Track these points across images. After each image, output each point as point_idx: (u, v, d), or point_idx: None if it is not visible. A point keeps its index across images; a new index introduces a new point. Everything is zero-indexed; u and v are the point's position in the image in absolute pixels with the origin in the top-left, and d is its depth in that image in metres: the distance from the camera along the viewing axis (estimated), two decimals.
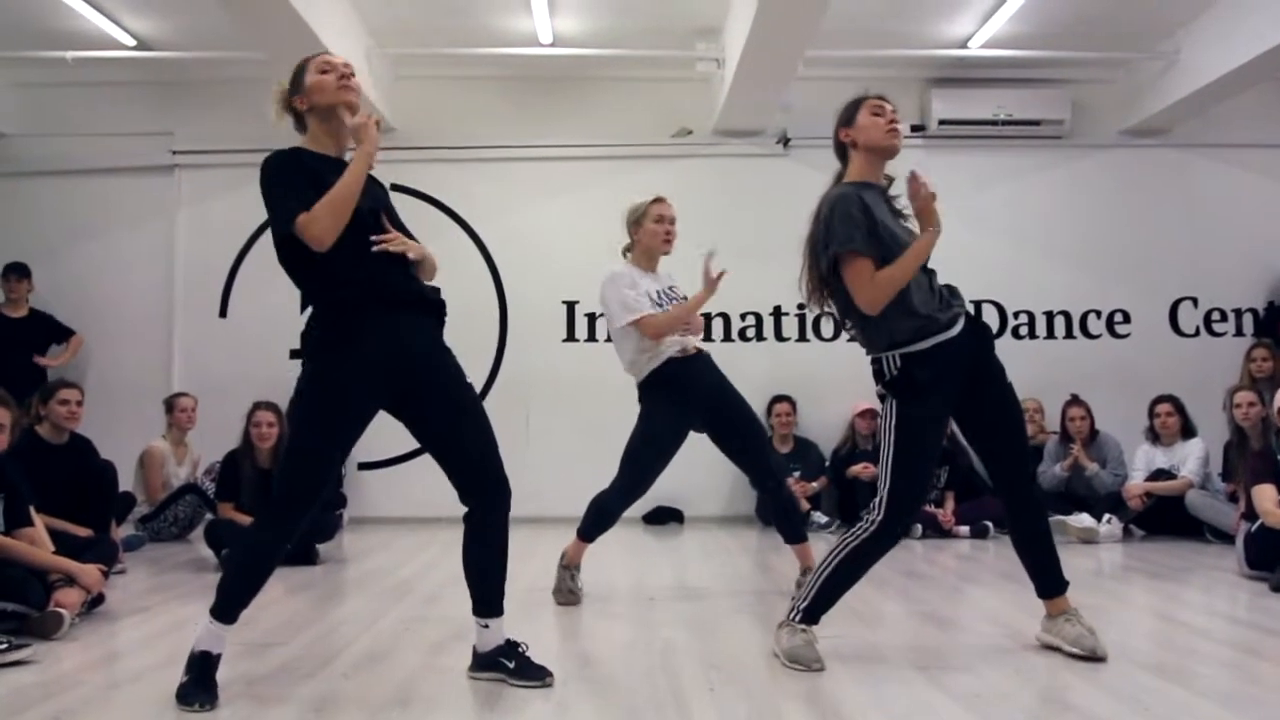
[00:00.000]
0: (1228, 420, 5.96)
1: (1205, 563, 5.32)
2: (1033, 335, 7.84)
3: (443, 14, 6.85)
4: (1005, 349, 7.99)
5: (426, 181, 7.74)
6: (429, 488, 7.33)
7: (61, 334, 7.39)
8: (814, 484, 7.07)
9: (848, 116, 3.37)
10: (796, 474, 7.02)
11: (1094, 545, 6.02)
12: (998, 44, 7.19)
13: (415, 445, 8.29)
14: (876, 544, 3.17)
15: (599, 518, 4.40)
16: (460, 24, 6.97)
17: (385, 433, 8.06)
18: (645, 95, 7.72)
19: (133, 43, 7.10)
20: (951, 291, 3.32)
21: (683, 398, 4.30)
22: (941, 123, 7.71)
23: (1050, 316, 7.86)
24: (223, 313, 7.66)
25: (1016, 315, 7.85)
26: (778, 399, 7.38)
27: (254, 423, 5.60)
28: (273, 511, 2.90)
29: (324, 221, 2.74)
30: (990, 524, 6.49)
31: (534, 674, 2.95)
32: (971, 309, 3.39)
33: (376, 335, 2.83)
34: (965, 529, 6.47)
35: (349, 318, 2.84)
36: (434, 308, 3.02)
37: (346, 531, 6.72)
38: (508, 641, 3.03)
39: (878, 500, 3.16)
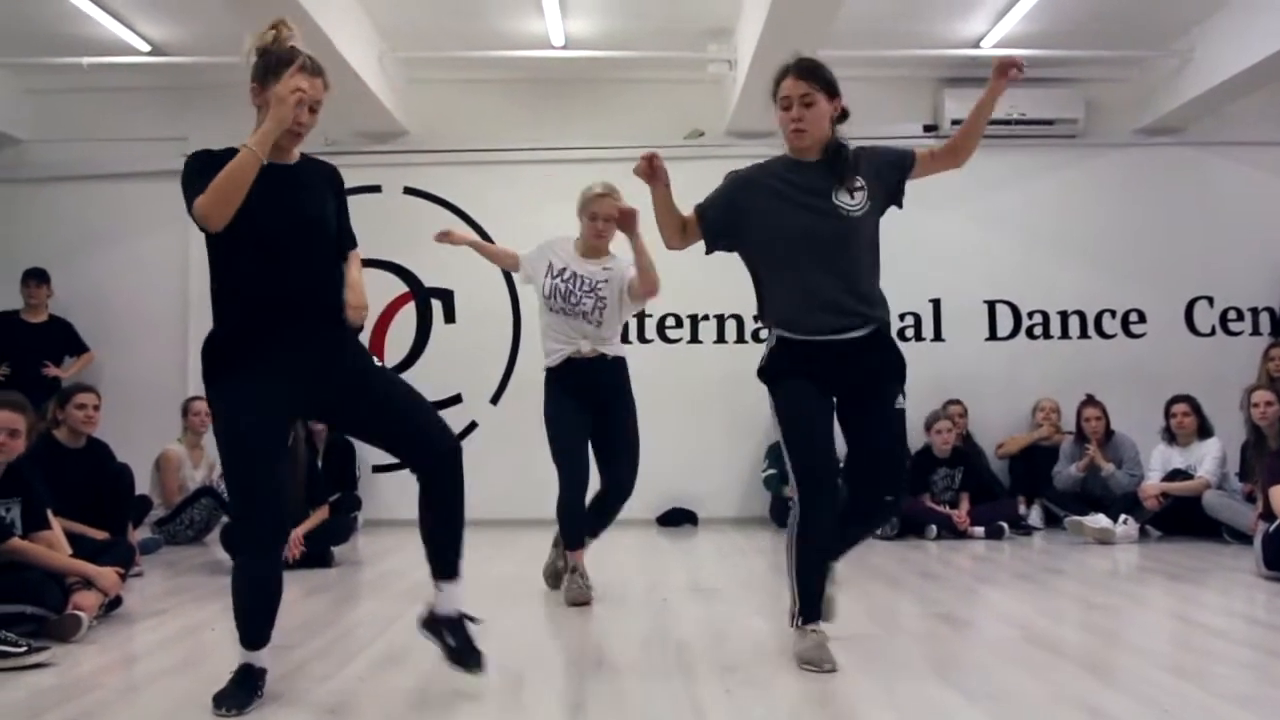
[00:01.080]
0: (1245, 420, 5.92)
1: (1223, 563, 5.29)
2: (1047, 335, 7.80)
3: (455, 17, 6.87)
4: (1020, 349, 8.06)
5: (439, 184, 7.77)
6: None
7: (77, 346, 7.43)
8: None
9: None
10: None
11: (1110, 546, 5.99)
12: (1010, 43, 7.16)
13: None
14: (808, 525, 3.15)
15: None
16: (472, 27, 6.98)
17: None
18: (657, 97, 7.73)
19: (147, 48, 7.14)
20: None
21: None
22: (954, 123, 7.66)
23: (1065, 316, 7.83)
24: None
25: (1031, 315, 7.81)
26: None
27: None
28: (242, 537, 2.88)
29: (208, 198, 2.66)
30: (1005, 525, 6.47)
31: (469, 660, 2.88)
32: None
33: (272, 352, 2.78)
34: (980, 530, 6.44)
35: (245, 334, 2.80)
36: (332, 315, 2.95)
37: (361, 534, 6.74)
38: (459, 614, 2.95)
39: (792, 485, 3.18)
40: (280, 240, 2.80)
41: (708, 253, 3.40)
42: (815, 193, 3.19)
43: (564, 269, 4.46)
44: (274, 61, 2.88)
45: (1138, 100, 7.69)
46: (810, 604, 3.20)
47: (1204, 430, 6.35)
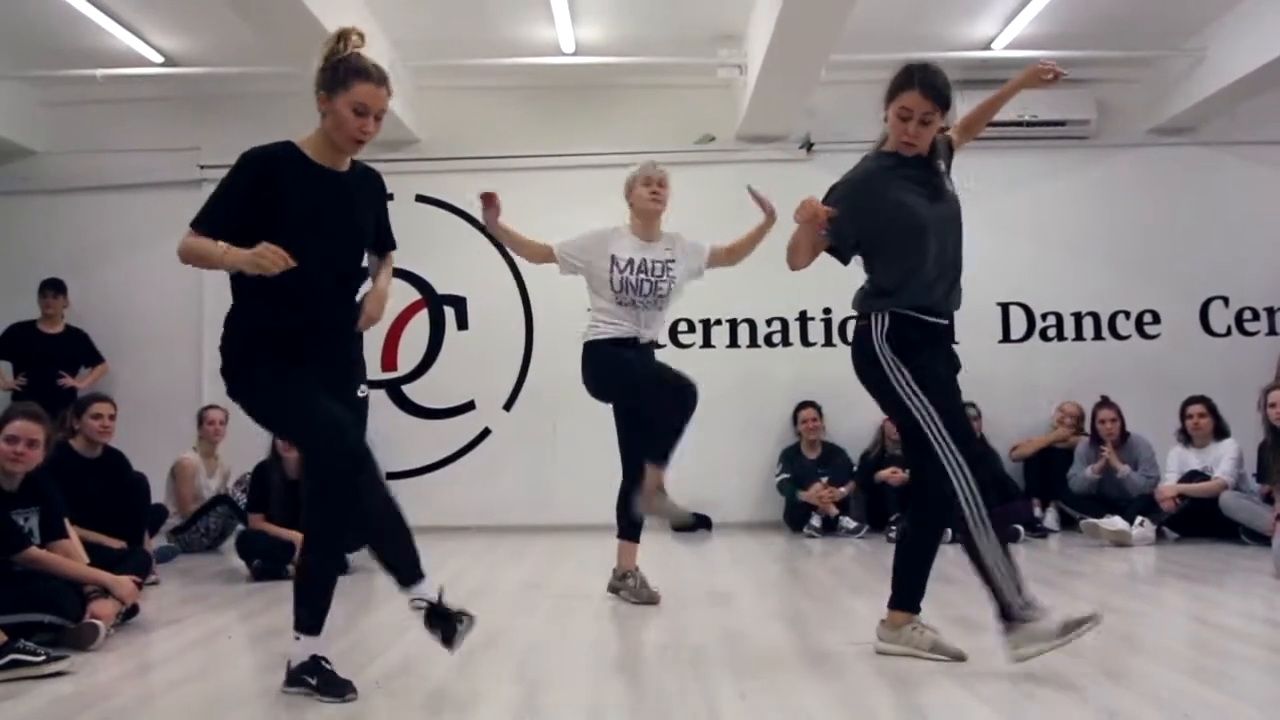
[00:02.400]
0: (1262, 420, 5.87)
1: (1241, 565, 5.26)
2: (1061, 337, 7.77)
3: (465, 25, 6.89)
4: (1033, 351, 8.04)
5: (451, 191, 7.78)
6: (457, 496, 7.49)
7: (93, 357, 7.47)
8: (842, 489, 7.02)
9: (890, 93, 3.28)
10: (824, 479, 6.99)
11: (1126, 549, 5.96)
12: (1021, 45, 7.15)
13: (443, 455, 8.34)
14: (987, 494, 3.12)
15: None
16: (483, 34, 7.01)
17: (410, 443, 8.13)
18: (668, 103, 7.73)
19: (160, 59, 7.19)
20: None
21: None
22: None
23: (1079, 318, 7.80)
24: None
25: (1044, 317, 7.79)
26: (804, 405, 7.35)
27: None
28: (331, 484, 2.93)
29: (186, 256, 2.83)
30: (1020, 528, 6.44)
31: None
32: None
33: (296, 348, 2.93)
34: None
35: (270, 332, 2.92)
36: (349, 327, 3.08)
37: None
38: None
39: (948, 458, 3.10)
40: (319, 247, 2.88)
41: (845, 263, 3.42)
42: (926, 183, 3.29)
43: (629, 260, 4.45)
44: (342, 72, 2.93)
45: (1150, 100, 7.65)
46: (1022, 592, 3.08)
47: (1220, 431, 6.31)
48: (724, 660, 3.32)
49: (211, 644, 3.82)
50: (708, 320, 7.69)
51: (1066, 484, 6.84)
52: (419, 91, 7.61)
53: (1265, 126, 7.56)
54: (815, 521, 6.88)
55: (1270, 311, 7.66)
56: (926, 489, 3.26)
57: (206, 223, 2.83)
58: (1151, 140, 7.77)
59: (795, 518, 7.00)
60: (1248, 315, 7.68)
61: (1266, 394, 5.81)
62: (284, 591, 4.85)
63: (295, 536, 5.32)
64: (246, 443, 6.33)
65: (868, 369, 3.26)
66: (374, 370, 7.67)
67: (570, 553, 6.21)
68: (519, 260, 7.77)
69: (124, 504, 5.05)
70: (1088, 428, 7.01)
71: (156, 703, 3.03)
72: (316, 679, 2.87)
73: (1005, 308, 7.79)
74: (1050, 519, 6.85)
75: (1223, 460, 6.16)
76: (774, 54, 6.07)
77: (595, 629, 4.00)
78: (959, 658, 3.22)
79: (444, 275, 7.75)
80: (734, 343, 7.75)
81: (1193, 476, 6.25)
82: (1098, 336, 7.77)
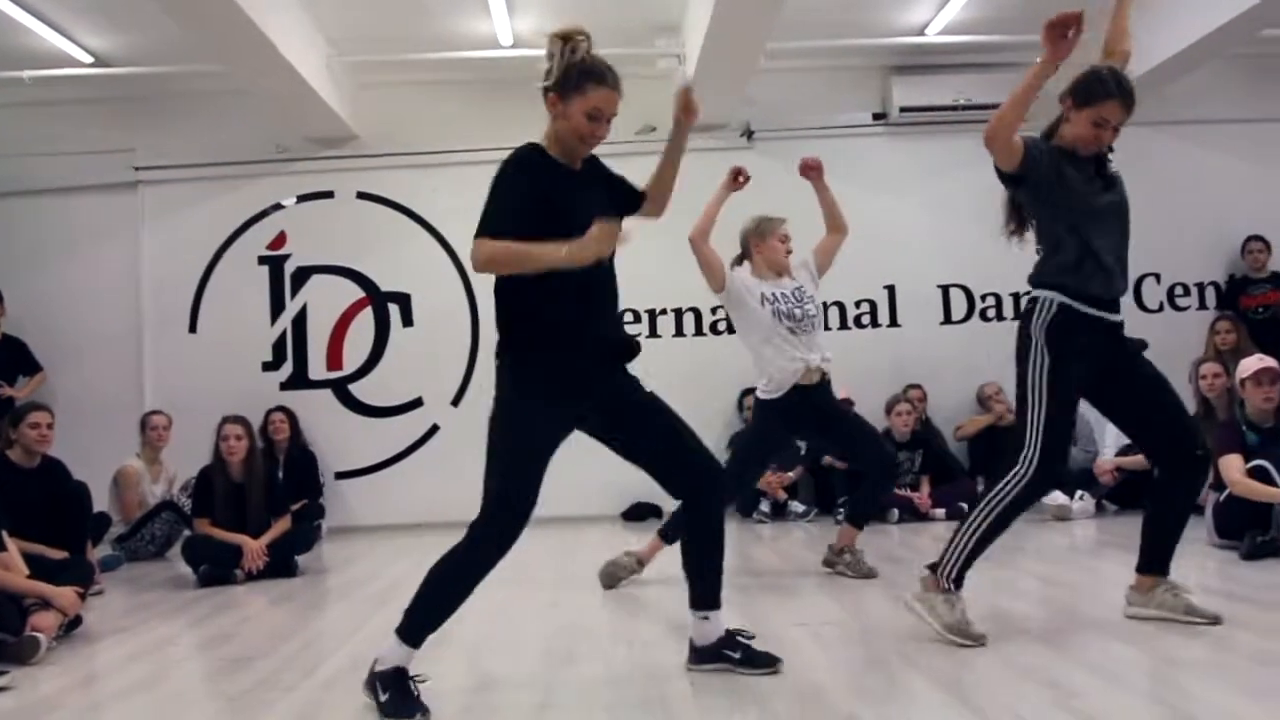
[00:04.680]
0: (1194, 393, 6.02)
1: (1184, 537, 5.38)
2: (1000, 317, 7.90)
3: (401, 20, 6.83)
4: (974, 332, 8.13)
5: (392, 188, 7.74)
6: (407, 494, 7.46)
7: (30, 365, 7.31)
8: (790, 474, 7.09)
9: (1084, 98, 3.39)
10: (773, 464, 7.05)
11: (1068, 522, 6.10)
12: (955, 30, 7.25)
13: (392, 453, 8.26)
14: (1032, 491, 3.22)
15: None
16: (418, 29, 6.95)
17: (357, 442, 8.07)
18: None
19: (90, 60, 7.04)
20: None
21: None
22: (903, 110, 7.76)
23: (1017, 298, 7.90)
24: (192, 328, 7.62)
25: (984, 298, 7.91)
26: (749, 391, 7.38)
27: (223, 436, 5.57)
28: (499, 533, 2.89)
29: (493, 263, 2.78)
30: (965, 506, 6.51)
31: (761, 661, 2.94)
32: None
33: (585, 376, 2.91)
34: (941, 512, 6.53)
35: (541, 360, 2.88)
36: (626, 351, 3.05)
37: (326, 542, 6.71)
38: (728, 632, 3.01)
39: (1029, 452, 3.19)
40: (594, 276, 2.84)
41: (1018, 175, 3.37)
42: (1097, 179, 3.45)
43: (771, 294, 4.58)
44: (576, 76, 2.88)
45: None
46: (965, 572, 3.25)
47: None
48: (676, 649, 3.34)
49: (158, 653, 3.78)
50: (653, 310, 7.71)
51: None
52: (357, 88, 7.54)
53: (1191, 106, 7.72)
54: (764, 506, 6.94)
55: (1200, 287, 7.86)
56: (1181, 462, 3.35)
57: (496, 227, 2.74)
58: None
59: (744, 503, 7.06)
60: (1179, 291, 7.86)
61: (1197, 367, 5.98)
62: (232, 596, 4.85)
63: (242, 540, 5.28)
64: (191, 447, 6.28)
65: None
66: (319, 370, 7.62)
67: (521, 546, 6.20)
68: (461, 256, 7.75)
69: (64, 513, 4.95)
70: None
71: (102, 714, 2.99)
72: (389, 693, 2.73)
73: (946, 290, 7.90)
74: None
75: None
76: (712, 43, 6.09)
77: (547, 619, 4.01)
78: (1215, 621, 3.25)
79: (388, 272, 7.69)
80: (680, 331, 7.79)
81: (1129, 450, 6.39)
82: None
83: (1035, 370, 3.24)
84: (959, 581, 3.26)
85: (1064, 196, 3.29)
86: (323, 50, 6.94)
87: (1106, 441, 6.56)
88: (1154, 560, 3.44)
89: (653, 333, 7.73)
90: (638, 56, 7.29)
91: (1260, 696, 2.53)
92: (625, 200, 3.18)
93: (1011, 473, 3.23)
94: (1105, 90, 3.30)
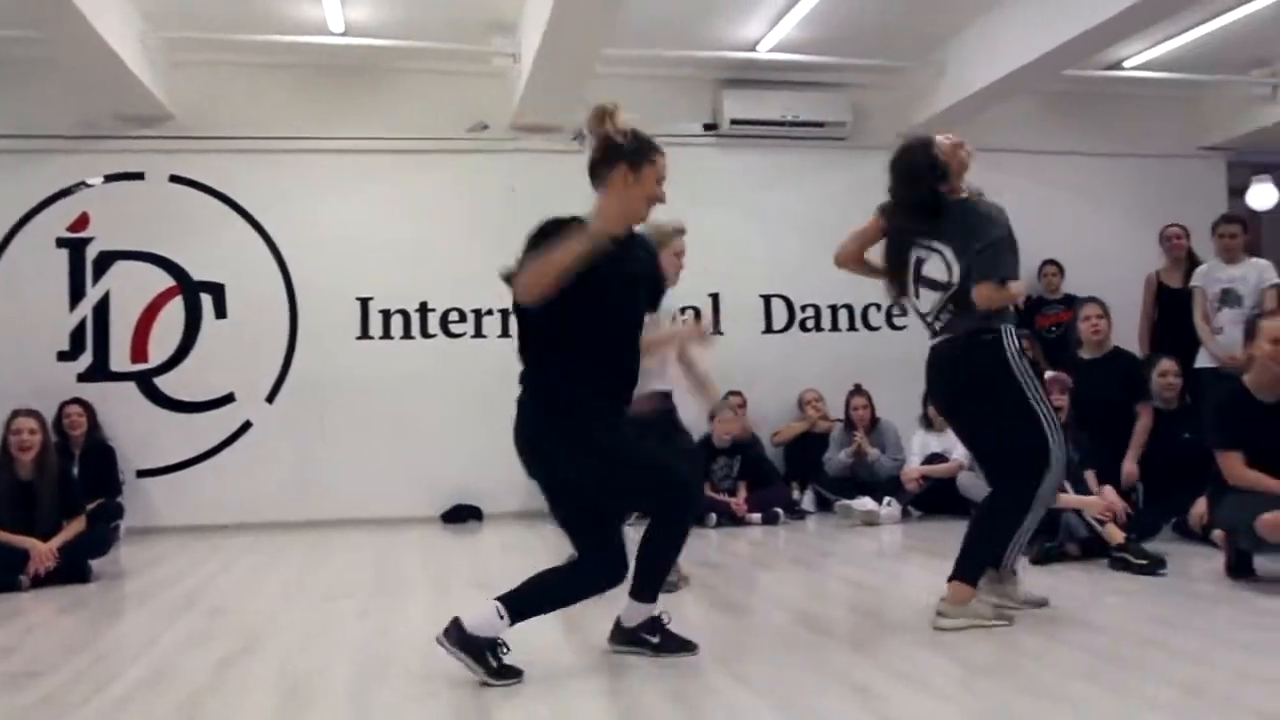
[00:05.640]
0: None
1: None
2: (819, 328, 8.18)
3: None
4: (794, 341, 8.36)
5: (208, 173, 7.36)
6: (216, 493, 7.13)
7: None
8: None
9: None
10: None
11: (876, 527, 6.36)
12: (785, 48, 7.46)
13: (201, 450, 7.86)
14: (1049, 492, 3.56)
15: None
16: (244, 9, 6.63)
17: (164, 438, 7.65)
18: (440, 89, 7.58)
19: None
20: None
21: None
22: (733, 122, 7.94)
23: (835, 310, 8.23)
24: None
25: (804, 309, 8.17)
26: None
27: (13, 430, 5.17)
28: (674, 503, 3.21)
29: (523, 278, 2.94)
30: (781, 510, 6.75)
31: (677, 646, 3.19)
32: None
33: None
34: (757, 516, 6.70)
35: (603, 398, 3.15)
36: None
37: (124, 544, 6.31)
38: (650, 618, 3.21)
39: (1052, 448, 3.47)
40: (626, 317, 3.19)
41: None
42: None
43: None
44: (644, 147, 3.20)
45: (899, 107, 8.13)
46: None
47: None
48: None
49: None
50: (479, 310, 7.59)
51: (823, 467, 7.23)
52: (173, 66, 7.12)
53: (1002, 135, 8.13)
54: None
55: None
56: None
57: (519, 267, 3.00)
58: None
59: None
60: None
61: None
62: (16, 605, 4.51)
63: (29, 543, 4.91)
64: None
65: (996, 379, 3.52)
66: (122, 361, 7.19)
67: (337, 549, 6.04)
68: (280, 245, 7.46)
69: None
70: (838, 413, 7.43)
71: None
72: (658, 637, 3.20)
73: (768, 299, 8.12)
74: (808, 501, 7.22)
75: (958, 444, 6.67)
76: (548, 45, 6.07)
77: (361, 625, 3.89)
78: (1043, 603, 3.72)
79: (200, 261, 7.31)
80: (505, 332, 7.69)
81: (934, 459, 6.75)
82: (852, 328, 8.23)
83: (1030, 386, 3.51)
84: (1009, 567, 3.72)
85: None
86: (136, 23, 6.54)
87: (913, 450, 6.89)
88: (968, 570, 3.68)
89: (478, 333, 7.59)
90: (473, 53, 7.22)
91: (1041, 695, 2.72)
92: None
93: (1034, 473, 3.50)
94: None
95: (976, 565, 3.60)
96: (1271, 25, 7.27)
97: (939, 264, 3.64)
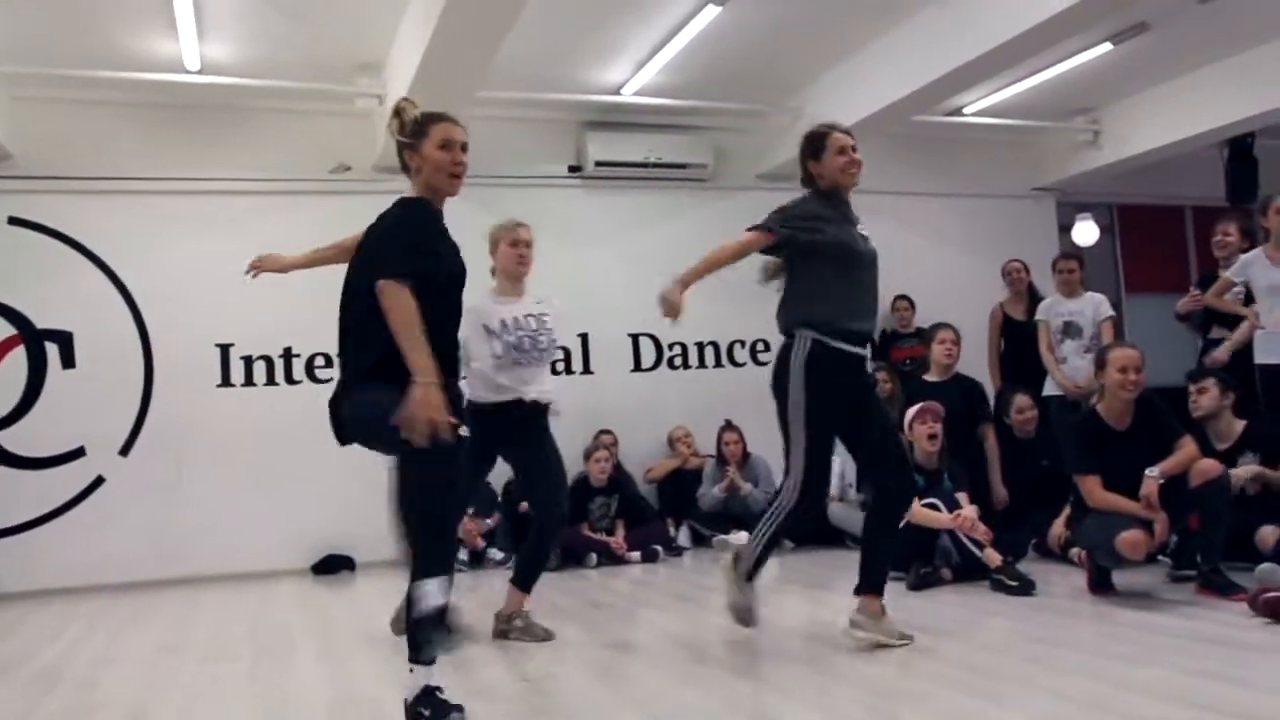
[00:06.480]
0: None
1: (848, 568, 5.76)
2: (686, 365, 8.34)
3: (73, 32, 6.20)
4: (662, 379, 8.48)
5: (52, 214, 6.98)
6: (66, 555, 6.75)
7: None
8: (488, 520, 7.04)
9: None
10: (471, 511, 7.00)
11: None
12: (648, 92, 7.64)
13: (47, 509, 7.50)
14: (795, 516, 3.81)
15: None
16: (92, 44, 6.35)
17: (9, 496, 7.21)
18: (302, 129, 7.43)
19: None
20: None
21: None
22: (598, 164, 8.05)
23: (701, 347, 8.41)
24: None
25: (671, 347, 8.32)
26: None
27: None
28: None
29: (393, 316, 2.94)
30: (659, 548, 6.82)
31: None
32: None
33: None
34: (636, 554, 6.74)
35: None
36: None
37: None
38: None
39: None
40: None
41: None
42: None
43: (505, 321, 4.40)
44: (416, 122, 3.21)
45: (759, 149, 8.43)
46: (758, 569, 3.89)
47: None
48: (398, 714, 3.24)
49: None
50: None
51: (697, 503, 7.35)
52: (12, 101, 6.78)
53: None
54: (463, 555, 6.86)
55: None
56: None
57: (402, 271, 3.06)
58: (760, 185, 8.49)
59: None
60: None
61: None
62: None
63: None
64: None
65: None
66: None
67: (205, 607, 5.78)
68: (133, 290, 7.13)
69: None
70: (708, 449, 7.57)
71: None
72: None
73: (636, 338, 8.23)
74: (684, 537, 7.30)
75: (829, 476, 6.88)
76: (418, 86, 6.01)
77: (252, 691, 3.74)
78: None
79: (44, 308, 6.92)
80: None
81: None
82: (718, 364, 8.42)
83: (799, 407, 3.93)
84: (750, 576, 3.87)
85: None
86: None
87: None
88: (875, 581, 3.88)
89: None
90: (336, 94, 7.11)
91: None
92: None
93: (776, 500, 3.84)
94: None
95: (880, 574, 3.88)
96: (1094, 77, 7.92)
97: None
